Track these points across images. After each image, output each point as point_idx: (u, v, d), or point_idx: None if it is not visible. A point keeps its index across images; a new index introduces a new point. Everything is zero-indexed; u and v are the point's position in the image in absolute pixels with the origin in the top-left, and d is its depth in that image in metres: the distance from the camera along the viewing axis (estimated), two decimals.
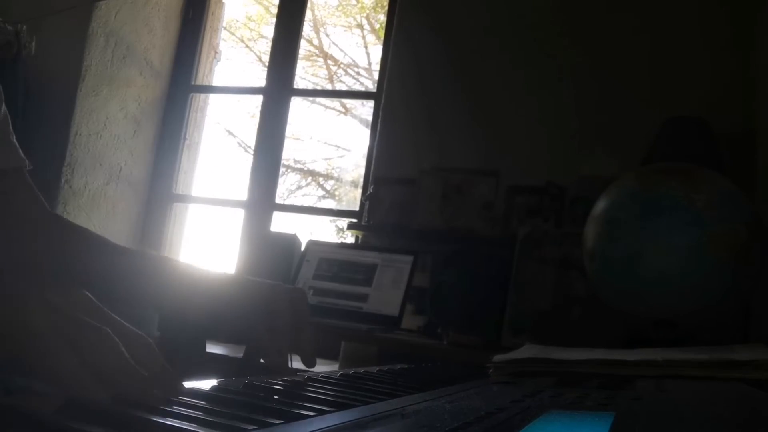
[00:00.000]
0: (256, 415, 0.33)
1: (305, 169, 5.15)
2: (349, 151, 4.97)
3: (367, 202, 2.16)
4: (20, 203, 0.70)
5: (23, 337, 0.36)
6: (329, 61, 5.17)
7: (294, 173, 5.05)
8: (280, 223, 2.68)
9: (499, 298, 1.69)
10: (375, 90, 2.51)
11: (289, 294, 0.65)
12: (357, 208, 2.42)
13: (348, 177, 4.75)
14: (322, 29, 5.15)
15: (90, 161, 2.47)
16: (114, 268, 0.63)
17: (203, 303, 0.62)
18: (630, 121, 1.93)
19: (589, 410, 0.40)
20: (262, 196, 2.55)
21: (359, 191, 2.59)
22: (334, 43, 5.18)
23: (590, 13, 2.07)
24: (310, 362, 0.64)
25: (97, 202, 2.50)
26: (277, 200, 2.61)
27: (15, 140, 0.72)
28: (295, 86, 2.73)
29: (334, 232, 4.16)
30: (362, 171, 2.46)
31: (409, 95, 2.24)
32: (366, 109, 3.85)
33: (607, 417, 0.35)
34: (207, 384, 0.44)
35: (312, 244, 1.97)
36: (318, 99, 4.77)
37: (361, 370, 0.61)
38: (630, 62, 2.00)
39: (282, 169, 2.75)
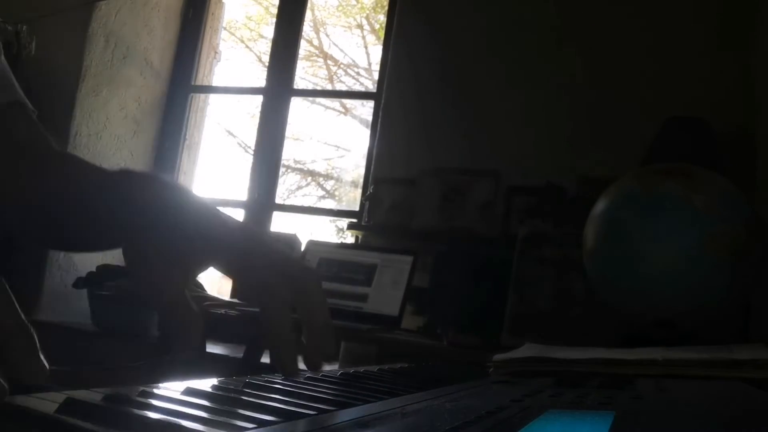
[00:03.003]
0: (256, 414, 0.33)
1: (305, 169, 5.15)
2: (349, 151, 4.98)
3: (367, 202, 2.17)
4: (23, 138, 0.61)
5: None
6: (329, 62, 5.17)
7: (294, 173, 5.05)
8: (280, 223, 2.68)
9: (498, 298, 1.69)
10: (375, 90, 2.51)
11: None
12: (357, 208, 2.42)
13: (348, 177, 4.75)
14: (322, 29, 5.15)
15: (90, 161, 2.47)
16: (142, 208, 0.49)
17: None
18: (630, 121, 1.93)
19: (589, 409, 0.40)
20: (262, 196, 2.55)
21: (359, 191, 2.59)
22: (334, 44, 5.18)
23: (589, 14, 2.07)
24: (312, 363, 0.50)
25: None
26: (277, 200, 2.61)
27: (17, 84, 0.65)
28: (295, 86, 2.73)
29: (334, 232, 4.16)
30: (362, 171, 2.47)
31: (409, 95, 2.25)
32: (366, 109, 3.85)
33: (607, 416, 0.35)
34: (207, 383, 0.44)
35: (312, 244, 1.97)
36: (318, 99, 4.77)
37: (361, 369, 0.61)
38: (630, 62, 2.00)
39: (282, 169, 2.75)
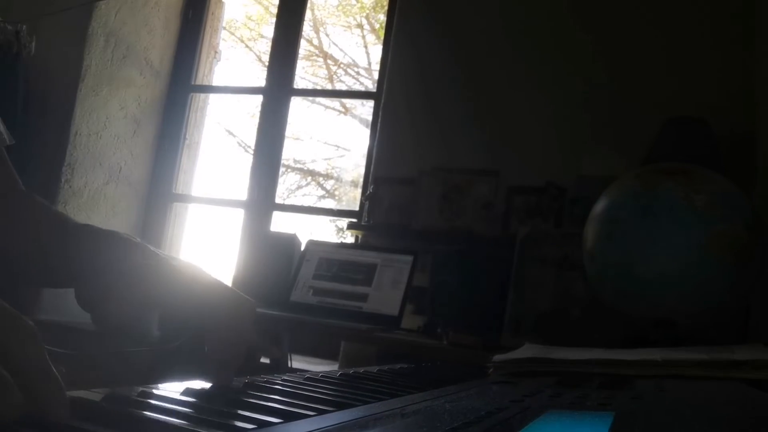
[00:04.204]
0: (256, 415, 0.33)
1: (305, 169, 5.15)
2: (349, 151, 4.97)
3: (367, 202, 2.16)
4: None
5: None
6: (329, 61, 5.17)
7: (294, 173, 5.05)
8: (280, 223, 2.68)
9: (499, 298, 1.69)
10: (375, 90, 2.51)
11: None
12: (357, 208, 2.42)
13: (348, 177, 4.75)
14: (322, 29, 5.15)
15: (90, 161, 2.47)
16: (97, 257, 0.52)
17: (199, 307, 0.52)
18: (630, 121, 1.93)
19: (589, 410, 0.40)
20: (262, 196, 2.55)
21: (359, 191, 2.60)
22: (334, 43, 5.18)
23: (591, 15, 2.07)
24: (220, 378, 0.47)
25: (97, 202, 2.51)
26: (277, 200, 2.61)
27: None
28: (295, 86, 2.73)
29: (334, 232, 4.16)
30: (362, 171, 2.47)
31: (409, 95, 2.25)
32: (366, 109, 3.85)
33: (607, 417, 0.35)
34: (207, 384, 0.44)
35: (312, 244, 1.97)
36: (318, 99, 4.77)
37: (361, 369, 0.61)
38: (630, 63, 2.00)
39: (282, 169, 2.75)
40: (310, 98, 4.61)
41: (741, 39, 1.87)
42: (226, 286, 0.54)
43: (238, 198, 2.65)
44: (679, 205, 1.24)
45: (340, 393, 0.45)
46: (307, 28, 4.89)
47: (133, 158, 2.62)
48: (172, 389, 0.39)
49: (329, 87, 5.22)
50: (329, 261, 1.91)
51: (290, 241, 2.01)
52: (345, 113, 4.85)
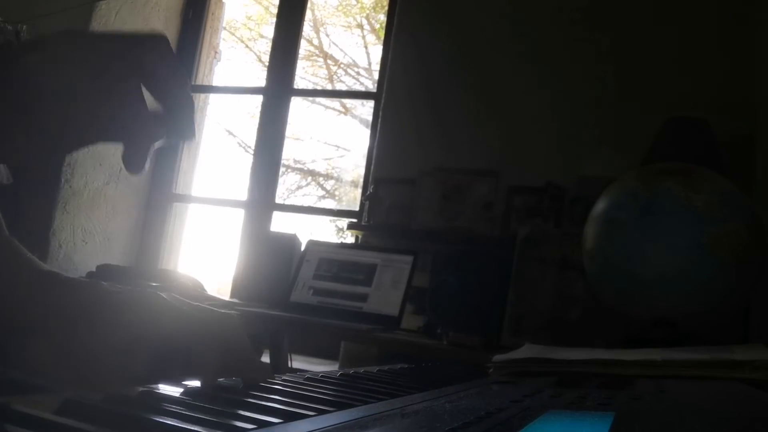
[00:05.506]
0: (256, 415, 0.33)
1: (305, 169, 5.15)
2: (349, 151, 4.98)
3: (367, 202, 2.17)
4: None
5: None
6: (329, 61, 5.17)
7: (294, 173, 5.05)
8: (280, 223, 2.68)
9: (499, 298, 1.69)
10: (375, 90, 2.51)
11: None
12: (357, 208, 2.42)
13: (348, 177, 4.75)
14: (322, 29, 5.15)
15: (90, 161, 2.47)
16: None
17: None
18: (630, 120, 1.93)
19: (589, 410, 0.40)
20: (262, 196, 2.55)
21: (359, 191, 2.60)
22: (334, 43, 5.18)
23: (590, 15, 2.07)
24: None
25: (97, 202, 2.50)
26: (277, 200, 2.61)
27: None
28: (295, 86, 2.73)
29: (334, 232, 4.16)
30: (362, 171, 2.47)
31: (409, 95, 2.25)
32: (366, 109, 3.85)
33: (607, 417, 0.35)
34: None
35: (312, 244, 1.97)
36: (318, 99, 4.77)
37: (361, 369, 0.61)
38: (630, 62, 2.00)
39: (282, 169, 2.75)
40: (310, 98, 4.61)
41: (742, 39, 1.87)
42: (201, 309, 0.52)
43: (238, 198, 2.65)
44: (679, 205, 1.24)
45: (340, 393, 0.45)
46: (307, 28, 4.89)
47: None
48: (172, 389, 0.39)
49: (329, 87, 5.22)
50: (329, 261, 1.91)
51: (290, 241, 2.01)
52: (345, 113, 4.85)
